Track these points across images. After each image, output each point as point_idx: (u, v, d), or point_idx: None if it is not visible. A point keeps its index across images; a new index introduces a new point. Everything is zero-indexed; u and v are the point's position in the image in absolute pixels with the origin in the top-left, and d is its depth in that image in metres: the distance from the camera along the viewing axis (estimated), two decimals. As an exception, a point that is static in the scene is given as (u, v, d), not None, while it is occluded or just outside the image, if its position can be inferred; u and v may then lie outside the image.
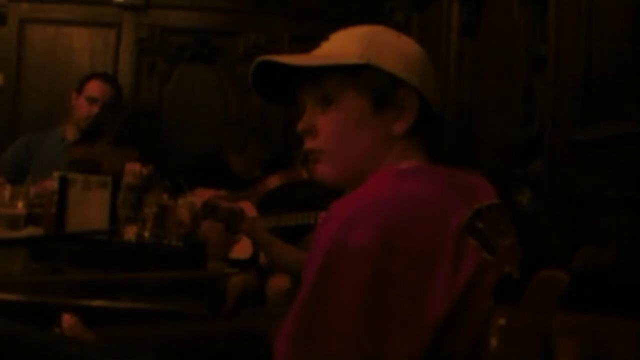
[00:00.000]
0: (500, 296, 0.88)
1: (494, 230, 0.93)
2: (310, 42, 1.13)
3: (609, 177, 1.59)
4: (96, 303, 1.40)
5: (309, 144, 1.06)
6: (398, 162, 1.02)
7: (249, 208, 2.61)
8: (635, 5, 1.53)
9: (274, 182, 2.73)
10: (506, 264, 0.93)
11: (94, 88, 3.05)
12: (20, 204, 2.03)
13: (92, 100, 3.02)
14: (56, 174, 1.92)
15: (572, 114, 1.75)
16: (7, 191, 2.04)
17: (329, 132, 1.04)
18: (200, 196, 2.42)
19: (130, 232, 1.99)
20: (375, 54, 1.01)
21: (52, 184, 1.97)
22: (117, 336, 1.14)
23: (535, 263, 0.99)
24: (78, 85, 3.08)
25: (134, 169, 2.53)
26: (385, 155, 1.02)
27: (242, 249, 2.54)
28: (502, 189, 1.04)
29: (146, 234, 1.96)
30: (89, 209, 1.90)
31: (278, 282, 2.39)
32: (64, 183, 1.79)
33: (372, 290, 0.84)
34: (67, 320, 1.09)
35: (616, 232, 1.54)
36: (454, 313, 0.85)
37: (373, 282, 0.84)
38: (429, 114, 1.03)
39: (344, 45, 1.04)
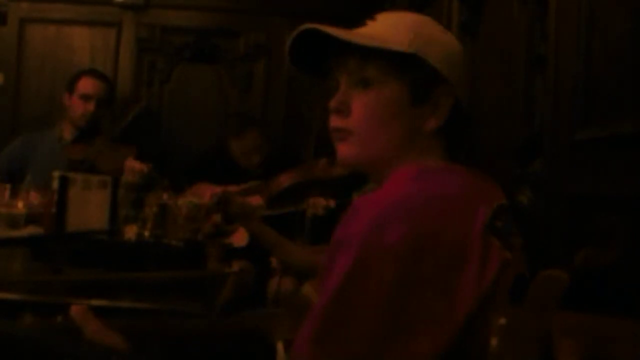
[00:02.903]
0: (513, 295, 0.89)
1: (509, 230, 0.94)
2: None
3: (609, 177, 1.59)
4: (96, 303, 1.39)
5: (338, 122, 1.03)
6: (420, 158, 1.01)
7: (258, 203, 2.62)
8: (636, 5, 1.53)
9: (287, 180, 2.74)
10: (521, 263, 0.94)
11: (87, 85, 3.02)
12: (20, 204, 2.03)
13: (86, 98, 2.99)
14: (56, 174, 1.92)
15: (572, 114, 1.75)
16: (7, 191, 2.03)
17: (362, 114, 1.01)
18: (201, 191, 2.42)
19: (130, 232, 1.99)
20: (422, 46, 1.00)
21: (46, 195, 1.97)
22: (116, 330, 1.13)
23: (535, 263, 0.99)
24: (68, 85, 3.05)
25: (133, 167, 2.53)
26: (410, 149, 1.01)
27: (239, 237, 2.54)
28: (502, 189, 1.04)
29: (146, 234, 1.96)
30: (89, 209, 1.90)
31: (285, 284, 2.39)
32: (64, 183, 1.79)
33: (403, 288, 0.84)
34: (76, 308, 1.09)
35: (616, 232, 1.54)
36: (477, 312, 0.85)
37: (404, 280, 0.84)
38: (460, 114, 1.03)
39: (392, 29, 1.02)
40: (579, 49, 1.73)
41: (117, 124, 3.17)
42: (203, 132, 3.64)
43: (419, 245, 0.85)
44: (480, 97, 2.33)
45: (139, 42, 3.65)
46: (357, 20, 1.08)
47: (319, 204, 2.35)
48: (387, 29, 1.02)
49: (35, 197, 2.14)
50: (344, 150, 1.04)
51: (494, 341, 0.83)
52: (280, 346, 1.06)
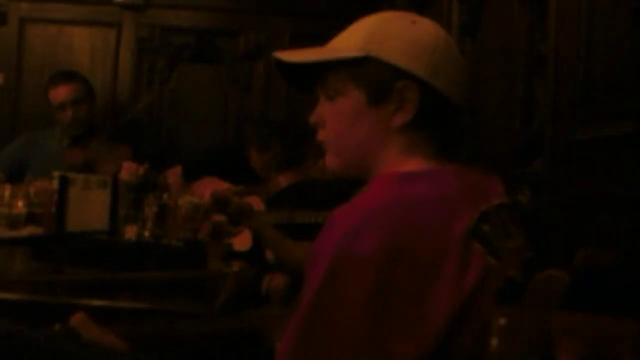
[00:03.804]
0: (502, 299, 0.88)
1: (500, 233, 0.92)
2: (311, 41, 1.13)
3: (609, 177, 1.59)
4: (96, 303, 1.39)
5: (319, 136, 1.07)
6: (402, 157, 1.00)
7: (257, 204, 2.61)
8: (635, 5, 1.53)
9: (285, 180, 2.73)
10: (510, 267, 0.92)
11: (55, 95, 2.96)
12: (20, 203, 2.03)
13: (62, 107, 2.95)
14: (56, 174, 1.92)
15: (572, 114, 1.75)
16: (7, 191, 2.03)
17: (331, 125, 1.04)
18: (208, 186, 2.42)
19: (130, 232, 1.99)
20: (377, 46, 0.99)
21: (51, 186, 1.96)
22: (116, 335, 1.13)
23: (535, 263, 0.98)
24: (45, 97, 3.00)
25: (130, 168, 2.53)
26: (386, 148, 1.01)
27: (242, 241, 2.54)
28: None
29: (146, 234, 1.96)
30: (89, 209, 1.90)
31: (275, 281, 2.39)
32: (64, 183, 1.78)
33: (377, 297, 0.84)
34: (77, 316, 1.09)
35: (616, 232, 1.54)
36: (458, 318, 0.85)
37: (378, 289, 0.84)
38: (441, 106, 1.00)
39: (350, 37, 1.03)
40: (579, 49, 1.73)
41: (121, 118, 3.13)
42: (203, 133, 3.64)
43: (392, 254, 0.84)
44: (480, 97, 2.33)
45: (139, 42, 3.65)
46: (355, 19, 1.08)
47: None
48: (345, 37, 1.04)
49: (38, 186, 2.13)
50: (327, 160, 1.07)
51: (494, 341, 0.82)
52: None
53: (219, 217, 2.30)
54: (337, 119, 1.03)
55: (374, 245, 0.84)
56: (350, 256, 0.85)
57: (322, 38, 1.10)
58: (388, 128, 1.00)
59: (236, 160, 3.10)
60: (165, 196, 2.07)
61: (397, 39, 1.00)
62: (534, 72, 1.98)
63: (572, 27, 1.77)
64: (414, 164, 0.99)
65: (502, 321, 0.83)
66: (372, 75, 0.99)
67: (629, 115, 1.51)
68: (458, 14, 2.53)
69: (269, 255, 2.46)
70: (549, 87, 1.88)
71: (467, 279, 0.85)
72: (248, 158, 3.07)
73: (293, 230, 2.29)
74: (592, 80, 1.68)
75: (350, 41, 1.02)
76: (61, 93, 2.96)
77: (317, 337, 0.85)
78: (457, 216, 0.89)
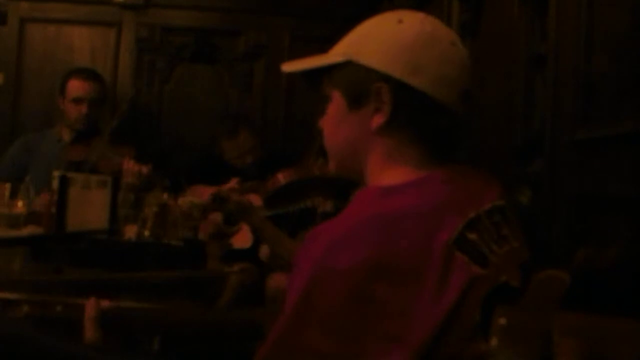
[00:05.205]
0: (495, 305, 0.87)
1: (490, 238, 0.91)
2: (311, 41, 1.13)
3: (609, 176, 1.59)
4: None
5: (323, 140, 1.10)
6: (388, 161, 0.99)
7: (256, 201, 2.62)
8: (635, 4, 1.53)
9: (285, 178, 2.74)
10: (502, 273, 0.90)
11: (76, 88, 2.98)
12: (20, 203, 2.03)
13: (78, 101, 2.96)
14: (56, 174, 1.92)
15: (572, 113, 1.75)
16: (7, 191, 2.03)
17: (324, 130, 1.07)
18: (199, 194, 2.43)
19: (130, 232, 1.99)
20: (357, 49, 1.00)
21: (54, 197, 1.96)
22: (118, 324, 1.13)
23: (535, 263, 0.98)
24: (60, 89, 3.01)
25: (132, 169, 2.53)
26: (371, 150, 1.00)
27: (242, 239, 2.54)
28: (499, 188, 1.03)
29: (146, 234, 1.96)
30: (89, 209, 1.90)
31: (278, 279, 2.39)
32: (64, 183, 1.78)
33: (354, 313, 0.84)
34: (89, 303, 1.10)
35: (616, 232, 1.54)
36: (443, 326, 0.84)
37: (355, 304, 0.84)
38: (422, 105, 0.97)
39: (341, 43, 1.04)
40: (579, 49, 1.73)
41: (111, 123, 3.13)
42: (203, 132, 3.63)
43: (371, 269, 0.84)
44: (480, 97, 2.33)
45: (139, 42, 3.65)
46: (356, 19, 1.08)
47: (329, 201, 2.36)
48: (338, 43, 1.05)
49: (43, 199, 2.13)
50: (329, 164, 1.10)
51: (494, 341, 0.82)
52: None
53: (217, 216, 2.30)
54: (326, 123, 1.06)
55: (352, 260, 0.85)
56: (328, 270, 0.85)
57: (322, 38, 1.10)
58: (368, 131, 0.99)
59: (220, 165, 3.11)
60: (165, 196, 2.07)
61: (377, 41, 0.99)
62: (534, 72, 1.98)
63: (572, 27, 1.77)
64: (400, 172, 0.98)
65: (502, 321, 0.83)
66: (351, 79, 1.00)
67: (630, 114, 1.51)
68: (458, 14, 2.53)
69: (263, 254, 2.46)
70: (549, 87, 1.88)
71: (449, 291, 0.85)
72: (222, 153, 3.10)
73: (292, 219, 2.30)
74: (592, 79, 1.68)
75: (339, 47, 1.04)
76: (83, 87, 2.98)
77: (291, 350, 0.86)
78: (441, 227, 0.88)
